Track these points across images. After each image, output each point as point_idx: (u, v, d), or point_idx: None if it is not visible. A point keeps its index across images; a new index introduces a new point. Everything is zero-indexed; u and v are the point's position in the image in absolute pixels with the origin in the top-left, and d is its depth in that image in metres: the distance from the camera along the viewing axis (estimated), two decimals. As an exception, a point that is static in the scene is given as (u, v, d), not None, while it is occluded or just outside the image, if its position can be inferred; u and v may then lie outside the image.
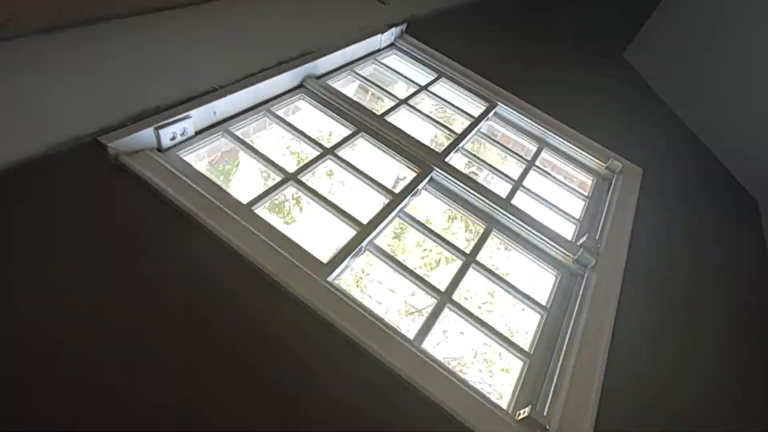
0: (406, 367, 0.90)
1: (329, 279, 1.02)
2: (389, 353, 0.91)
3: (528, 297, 1.25)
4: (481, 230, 1.39)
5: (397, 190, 1.32)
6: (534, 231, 1.37)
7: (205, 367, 0.80)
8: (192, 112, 1.18)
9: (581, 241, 1.38)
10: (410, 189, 1.35)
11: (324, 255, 1.09)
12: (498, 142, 1.77)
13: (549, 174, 1.71)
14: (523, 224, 1.38)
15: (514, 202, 1.45)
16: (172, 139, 1.15)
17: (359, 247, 1.15)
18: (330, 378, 0.86)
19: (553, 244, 1.35)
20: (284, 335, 0.89)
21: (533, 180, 1.65)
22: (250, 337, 0.87)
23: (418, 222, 1.33)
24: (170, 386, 0.76)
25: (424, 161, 1.45)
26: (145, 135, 1.09)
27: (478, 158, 1.67)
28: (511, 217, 1.38)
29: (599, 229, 1.47)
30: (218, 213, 1.03)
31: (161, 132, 1.11)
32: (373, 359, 0.90)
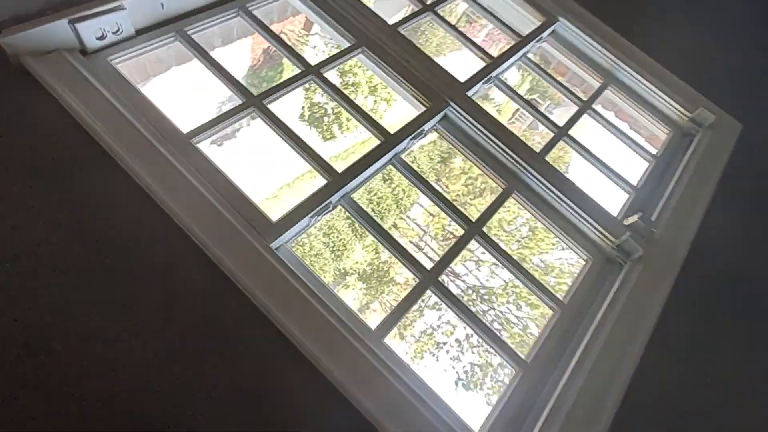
0: (346, 379, 0.70)
1: (273, 245, 0.80)
2: (327, 355, 0.70)
3: (543, 288, 0.97)
4: (499, 192, 1.08)
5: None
6: (565, 200, 1.04)
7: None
8: (126, 2, 0.90)
9: (631, 220, 1.04)
10: (411, 129, 1.04)
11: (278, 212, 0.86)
12: (547, 73, 1.35)
13: (608, 122, 1.30)
14: (551, 189, 1.05)
15: (550, 157, 1.11)
16: (101, 38, 0.89)
17: (328, 201, 0.90)
18: (241, 364, 0.67)
19: (589, 220, 1.03)
20: (199, 312, 0.70)
21: (586, 128, 1.26)
22: (158, 297, 0.68)
23: (413, 172, 1.04)
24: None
25: (439, 93, 1.10)
26: (58, 30, 0.83)
27: (518, 94, 1.28)
28: (538, 177, 1.05)
29: (660, 205, 1.10)
30: (141, 144, 0.80)
31: (80, 27, 0.85)
32: (303, 359, 0.70)
